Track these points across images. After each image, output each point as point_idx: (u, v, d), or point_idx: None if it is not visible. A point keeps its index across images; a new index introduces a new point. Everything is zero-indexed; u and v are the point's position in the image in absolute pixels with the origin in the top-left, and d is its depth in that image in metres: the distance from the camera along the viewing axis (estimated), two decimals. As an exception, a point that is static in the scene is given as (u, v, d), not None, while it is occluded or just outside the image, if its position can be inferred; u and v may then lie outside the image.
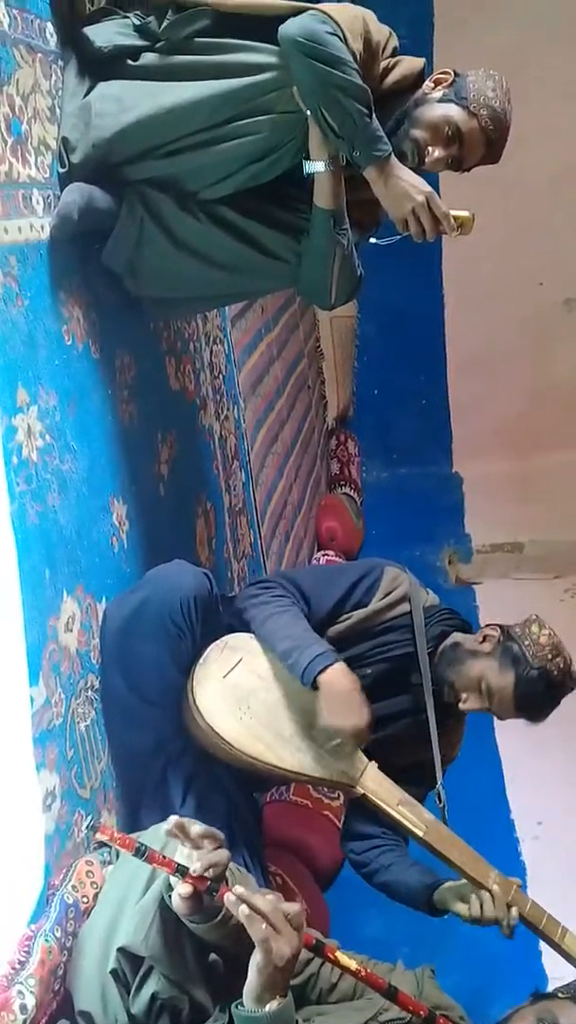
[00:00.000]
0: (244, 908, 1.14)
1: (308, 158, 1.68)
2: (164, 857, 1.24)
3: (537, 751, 3.38)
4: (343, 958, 1.29)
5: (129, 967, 1.27)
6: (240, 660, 1.75)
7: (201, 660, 1.73)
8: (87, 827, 1.23)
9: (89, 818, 1.23)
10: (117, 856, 1.49)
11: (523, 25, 4.36)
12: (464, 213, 1.71)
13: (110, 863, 1.49)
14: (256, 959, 1.14)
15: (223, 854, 1.24)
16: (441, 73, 1.75)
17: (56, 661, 1.51)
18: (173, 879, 1.24)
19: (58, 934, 1.35)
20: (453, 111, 1.71)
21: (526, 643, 1.81)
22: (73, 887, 1.43)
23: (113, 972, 1.28)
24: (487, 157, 1.75)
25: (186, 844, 1.24)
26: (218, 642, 1.77)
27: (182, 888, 1.21)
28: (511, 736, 3.43)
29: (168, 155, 1.71)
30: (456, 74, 1.74)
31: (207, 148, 1.69)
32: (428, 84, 1.75)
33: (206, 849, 1.24)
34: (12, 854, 1.35)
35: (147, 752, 1.73)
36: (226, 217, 1.76)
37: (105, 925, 1.33)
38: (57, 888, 1.42)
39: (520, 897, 1.71)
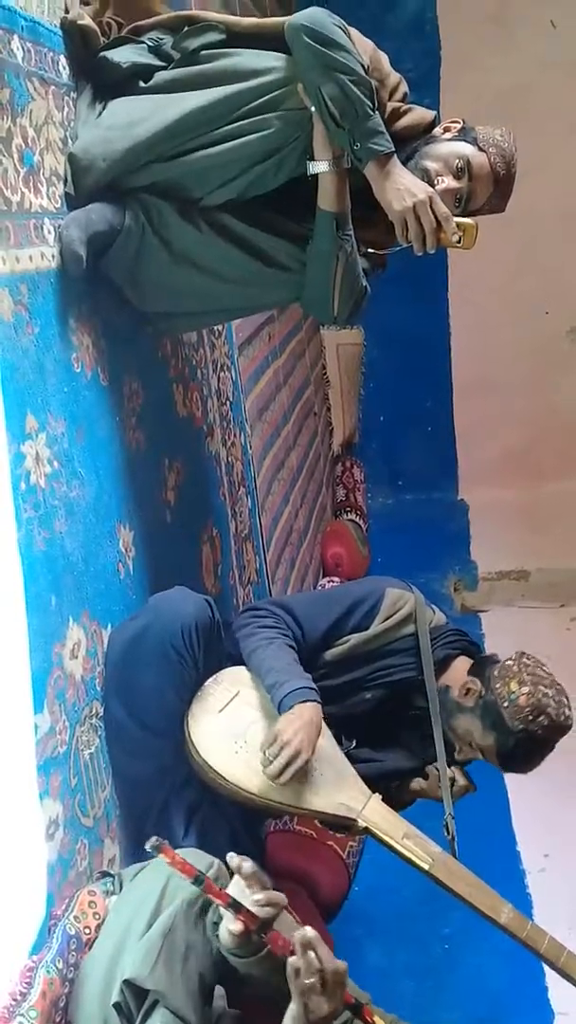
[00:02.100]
0: (295, 959, 1.14)
1: (312, 159, 1.68)
2: (220, 889, 1.24)
3: (543, 782, 3.35)
4: (380, 1022, 1.28)
5: (133, 1000, 1.26)
6: (237, 694, 1.74)
7: (198, 695, 1.72)
8: (151, 846, 1.23)
9: (154, 838, 1.23)
10: (120, 887, 1.48)
11: (529, 60, 4.43)
12: (468, 220, 1.68)
13: (113, 894, 1.47)
14: (293, 1010, 1.13)
15: (280, 897, 1.25)
16: (451, 121, 1.79)
17: (61, 688, 1.51)
18: (226, 913, 1.24)
19: (60, 965, 1.34)
20: (464, 146, 1.74)
21: (504, 705, 1.73)
22: (75, 918, 1.42)
23: (116, 1005, 1.26)
24: (493, 199, 1.77)
25: (248, 884, 1.25)
26: (215, 676, 1.75)
27: (235, 924, 1.22)
28: (517, 766, 3.40)
29: (172, 158, 1.70)
30: (465, 122, 1.78)
31: (212, 148, 1.68)
32: (438, 129, 1.79)
33: (259, 889, 1.24)
34: (14, 884, 1.34)
35: (149, 781, 1.72)
36: (229, 226, 1.76)
37: (108, 957, 1.32)
38: (59, 919, 1.41)
39: (536, 933, 1.66)
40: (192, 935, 1.29)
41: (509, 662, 1.79)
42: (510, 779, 3.33)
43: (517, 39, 4.45)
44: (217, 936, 1.30)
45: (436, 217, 1.63)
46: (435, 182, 1.73)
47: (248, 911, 1.22)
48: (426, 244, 1.65)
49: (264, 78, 1.65)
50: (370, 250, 1.76)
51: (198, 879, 1.23)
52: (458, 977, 2.36)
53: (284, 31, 1.64)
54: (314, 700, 1.66)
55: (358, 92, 1.58)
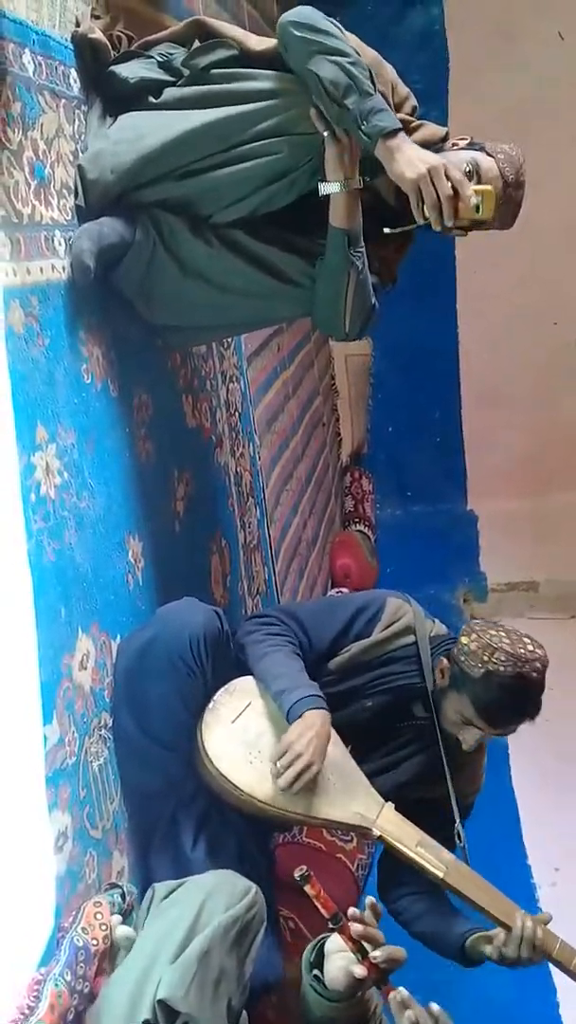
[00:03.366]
0: (410, 1013, 1.21)
1: (324, 180, 1.68)
2: (353, 934, 1.29)
3: (555, 795, 3.34)
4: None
5: (164, 1020, 1.25)
6: (249, 704, 1.74)
7: (210, 705, 1.71)
8: (299, 876, 1.26)
9: (303, 868, 1.26)
10: (123, 898, 1.47)
11: (537, 72, 4.44)
12: (486, 187, 1.61)
13: (129, 911, 1.46)
14: None
15: (403, 953, 1.30)
16: (459, 138, 1.79)
17: (70, 699, 1.50)
18: (350, 958, 1.29)
19: (68, 978, 1.33)
20: (473, 153, 1.74)
21: (462, 659, 1.74)
22: (83, 929, 1.41)
23: (146, 1022, 1.26)
24: (502, 208, 1.76)
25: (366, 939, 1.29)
26: (227, 686, 1.75)
27: (359, 969, 1.27)
28: (528, 780, 3.39)
29: (184, 176, 1.71)
30: (473, 138, 1.78)
31: (223, 169, 1.69)
32: (447, 144, 1.79)
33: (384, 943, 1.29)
34: (23, 896, 1.33)
35: (158, 793, 1.72)
36: (240, 241, 1.76)
37: (138, 973, 1.30)
38: (67, 931, 1.40)
39: (549, 937, 1.66)
40: (226, 961, 1.30)
41: (462, 629, 1.81)
42: (521, 791, 3.33)
43: (525, 51, 4.46)
44: (315, 975, 1.34)
45: (452, 184, 1.56)
46: None
47: (376, 963, 1.27)
48: (443, 215, 1.56)
49: (275, 100, 1.65)
50: (386, 230, 1.70)
51: (336, 918, 1.27)
52: (468, 994, 2.33)
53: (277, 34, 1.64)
54: (322, 708, 1.66)
55: (356, 71, 1.56)
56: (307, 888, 1.26)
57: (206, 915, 1.33)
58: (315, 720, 1.63)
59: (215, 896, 1.30)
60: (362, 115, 1.56)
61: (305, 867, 1.26)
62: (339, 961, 1.30)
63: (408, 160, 1.56)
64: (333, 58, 1.57)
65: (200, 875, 1.47)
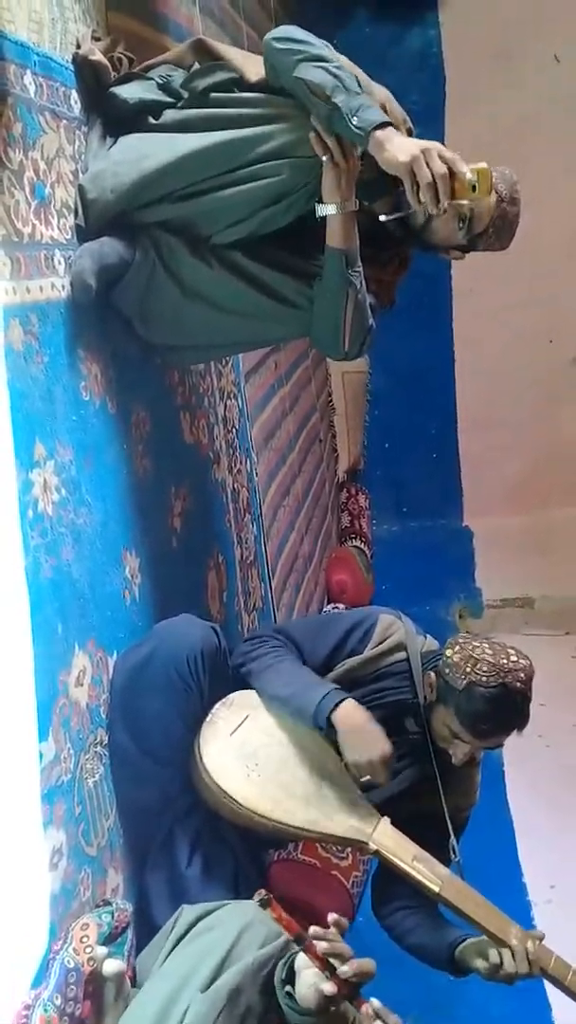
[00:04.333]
0: None
1: (321, 202, 1.70)
2: (319, 952, 1.27)
3: (550, 812, 3.33)
4: None
5: None
6: (247, 717, 1.74)
7: (208, 719, 1.72)
8: (259, 901, 1.25)
9: (262, 892, 1.25)
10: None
11: (534, 94, 4.50)
12: (481, 164, 1.57)
13: (122, 929, 1.46)
14: None
15: (372, 965, 1.28)
16: None
17: (66, 716, 1.50)
18: (319, 975, 1.27)
19: (58, 1002, 1.31)
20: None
21: (446, 672, 1.76)
22: (74, 950, 1.39)
23: None
24: (498, 224, 1.78)
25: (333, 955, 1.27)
26: (224, 700, 1.76)
27: (328, 987, 1.25)
28: (523, 797, 3.38)
29: (183, 199, 1.73)
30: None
31: (223, 191, 1.71)
32: None
33: (353, 956, 1.28)
34: (16, 914, 1.33)
35: (153, 810, 1.72)
36: (239, 262, 1.78)
37: (164, 997, 1.29)
38: (57, 952, 1.39)
39: (544, 952, 1.66)
40: (254, 999, 1.30)
41: (447, 642, 1.83)
42: (516, 808, 3.32)
43: (521, 73, 4.51)
44: (288, 994, 1.32)
45: (446, 163, 1.54)
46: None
47: (344, 979, 1.25)
48: (439, 193, 1.55)
49: (274, 125, 1.68)
50: (382, 217, 1.71)
51: (298, 939, 1.25)
52: (463, 1010, 2.33)
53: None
54: (348, 698, 1.68)
55: (341, 73, 1.59)
56: (268, 911, 1.25)
57: (241, 947, 1.33)
58: (349, 713, 1.66)
59: (253, 928, 1.31)
60: (351, 111, 1.58)
61: (264, 891, 1.25)
62: (309, 978, 1.28)
63: (400, 146, 1.57)
64: (317, 64, 1.61)
65: (241, 902, 1.47)
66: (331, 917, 1.30)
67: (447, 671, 1.75)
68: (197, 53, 1.83)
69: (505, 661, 1.72)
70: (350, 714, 1.66)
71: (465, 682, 1.71)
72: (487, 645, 1.76)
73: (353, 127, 1.58)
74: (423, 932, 1.83)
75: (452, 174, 1.56)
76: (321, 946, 1.26)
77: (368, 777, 1.66)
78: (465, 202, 1.63)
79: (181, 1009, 1.25)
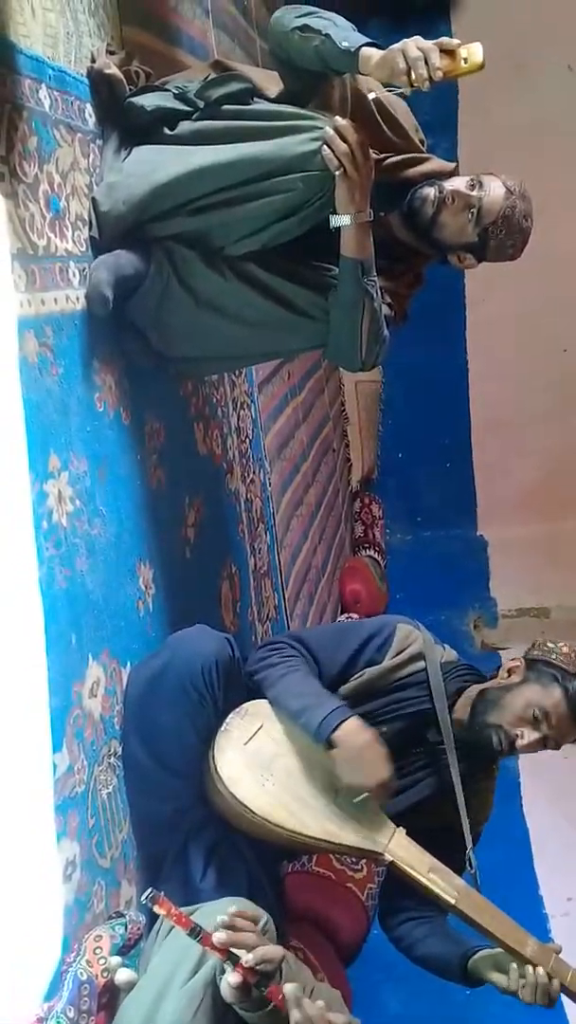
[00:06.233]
0: (296, 1013, 1.16)
1: (335, 213, 1.70)
2: (217, 944, 1.23)
3: (567, 825, 3.30)
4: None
5: None
6: (261, 726, 1.73)
7: (222, 728, 1.71)
8: (146, 898, 1.22)
9: (150, 890, 1.23)
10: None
11: (546, 103, 4.49)
12: (473, 44, 1.54)
13: (135, 941, 1.45)
14: None
15: (277, 951, 1.25)
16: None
17: (80, 727, 1.50)
18: (227, 966, 1.24)
19: (71, 1014, 1.31)
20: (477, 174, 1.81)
21: (554, 657, 1.81)
22: (87, 962, 1.39)
23: None
24: (507, 225, 1.80)
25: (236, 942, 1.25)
26: (238, 709, 1.75)
27: (232, 977, 1.22)
28: (540, 809, 3.36)
29: (197, 212, 1.73)
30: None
31: (236, 206, 1.71)
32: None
33: (259, 940, 1.25)
34: (29, 926, 1.33)
35: (167, 822, 1.71)
36: (253, 274, 1.78)
37: (151, 1000, 1.30)
38: (70, 964, 1.39)
39: (561, 966, 1.63)
40: None
41: (536, 641, 1.91)
42: (532, 821, 3.30)
43: (534, 83, 4.51)
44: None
45: (432, 43, 1.55)
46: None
47: (247, 967, 1.22)
48: (428, 64, 1.52)
49: (287, 138, 1.68)
50: (372, 94, 1.76)
51: (193, 931, 1.22)
52: (479, 1022, 2.31)
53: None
54: (352, 716, 1.66)
55: (335, 18, 1.67)
56: (156, 908, 1.21)
57: None
58: (351, 733, 1.63)
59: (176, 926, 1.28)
60: (340, 39, 1.63)
61: (152, 888, 1.22)
62: (226, 975, 1.26)
63: (387, 53, 1.59)
64: (317, 15, 1.68)
65: (215, 901, 1.46)
66: (230, 910, 1.28)
67: (555, 656, 1.82)
68: (215, 72, 1.84)
69: None
70: (351, 734, 1.63)
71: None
72: None
73: (341, 48, 1.62)
74: (434, 942, 1.82)
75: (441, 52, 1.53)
76: (219, 937, 1.23)
77: (364, 797, 1.64)
78: (461, 72, 1.56)
79: (167, 1009, 1.26)
